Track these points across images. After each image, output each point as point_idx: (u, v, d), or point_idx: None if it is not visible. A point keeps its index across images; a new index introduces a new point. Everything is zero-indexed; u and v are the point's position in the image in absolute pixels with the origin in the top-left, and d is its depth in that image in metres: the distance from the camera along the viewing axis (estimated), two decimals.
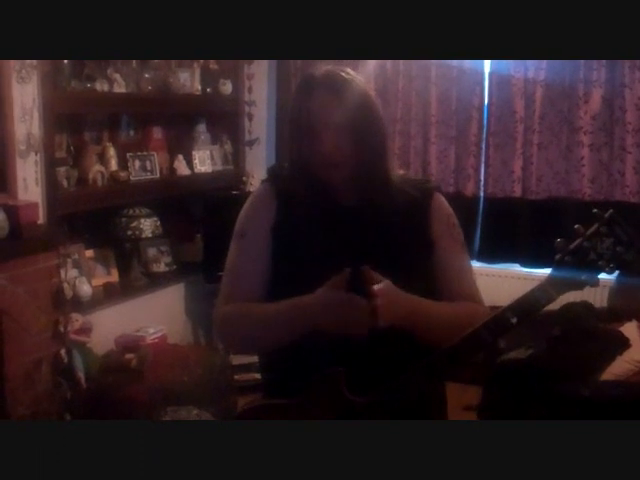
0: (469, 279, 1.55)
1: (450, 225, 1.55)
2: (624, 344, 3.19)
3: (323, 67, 1.49)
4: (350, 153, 1.44)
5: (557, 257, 1.28)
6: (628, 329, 3.32)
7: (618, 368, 3.08)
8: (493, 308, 1.44)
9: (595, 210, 1.28)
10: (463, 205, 4.14)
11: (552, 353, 3.23)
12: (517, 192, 4.09)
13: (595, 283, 1.28)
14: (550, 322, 3.55)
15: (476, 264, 4.26)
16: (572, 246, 1.27)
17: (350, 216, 1.50)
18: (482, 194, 4.24)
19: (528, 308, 1.31)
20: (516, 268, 4.14)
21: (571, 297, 4.07)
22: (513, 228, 4.12)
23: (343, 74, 1.46)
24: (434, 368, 1.33)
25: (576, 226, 1.28)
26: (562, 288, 1.29)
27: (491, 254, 4.23)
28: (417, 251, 1.49)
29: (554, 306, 4.45)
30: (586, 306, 3.79)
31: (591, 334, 3.29)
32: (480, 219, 4.25)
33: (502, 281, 4.09)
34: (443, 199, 1.57)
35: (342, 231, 1.48)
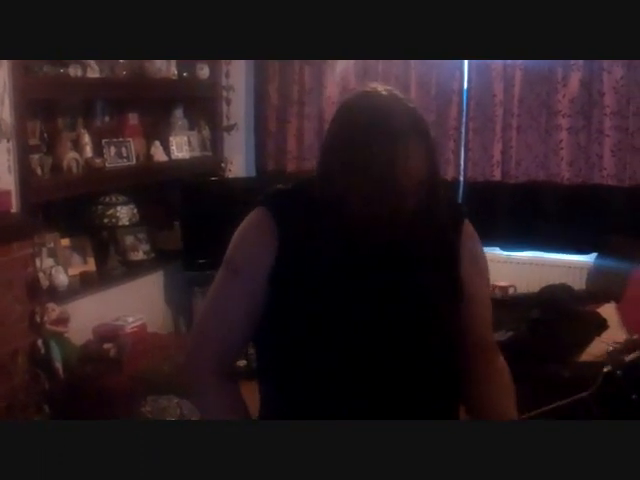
0: (490, 322, 1.41)
1: (479, 259, 1.39)
2: (602, 325, 3.22)
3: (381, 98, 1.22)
4: (422, 181, 1.20)
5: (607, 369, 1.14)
6: (606, 310, 3.35)
7: (596, 349, 3.10)
8: None
9: None
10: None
11: (531, 335, 3.25)
12: (497, 176, 4.10)
13: None
14: (529, 305, 3.57)
15: None
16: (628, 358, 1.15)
17: (377, 256, 1.24)
18: (462, 178, 4.24)
19: None
20: (496, 252, 4.15)
21: (550, 280, 4.09)
22: (493, 212, 4.12)
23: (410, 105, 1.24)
24: None
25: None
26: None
27: None
28: (447, 293, 1.30)
29: (534, 289, 4.47)
30: (565, 289, 3.81)
31: (570, 316, 3.31)
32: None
33: None
34: (471, 227, 1.38)
35: (365, 275, 1.25)
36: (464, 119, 4.19)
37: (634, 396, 1.02)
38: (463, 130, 4.20)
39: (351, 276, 1.24)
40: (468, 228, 1.37)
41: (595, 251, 3.92)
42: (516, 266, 4.09)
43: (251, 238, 1.31)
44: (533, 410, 1.16)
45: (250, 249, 1.30)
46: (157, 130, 4.19)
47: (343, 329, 1.24)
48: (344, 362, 1.24)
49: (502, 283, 3.96)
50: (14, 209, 3.15)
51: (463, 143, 4.21)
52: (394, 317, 1.25)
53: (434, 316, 1.27)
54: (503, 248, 4.16)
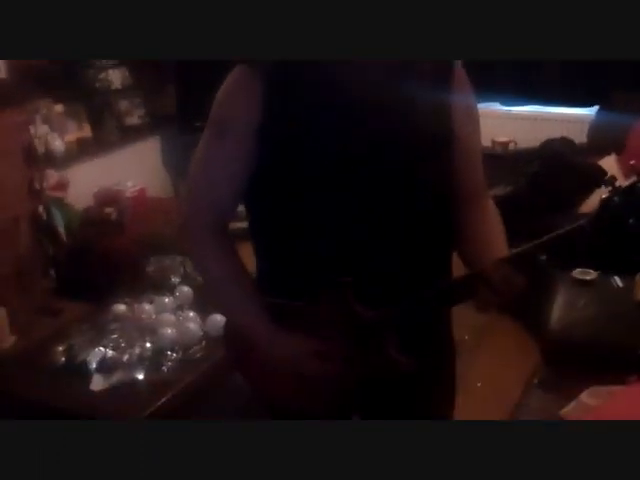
0: (481, 168, 1.40)
1: (470, 105, 1.34)
2: (602, 176, 3.22)
3: None
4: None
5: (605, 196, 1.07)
6: (607, 162, 3.34)
7: (597, 200, 3.13)
8: None
9: None
10: None
11: (531, 189, 3.26)
12: None
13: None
14: (530, 159, 3.56)
15: None
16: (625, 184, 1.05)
17: (366, 110, 1.21)
18: None
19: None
20: (497, 107, 4.09)
21: (551, 134, 4.04)
22: (493, 66, 4.00)
23: None
24: (450, 295, 1.24)
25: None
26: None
27: None
28: (438, 141, 1.27)
29: (534, 143, 4.43)
30: (565, 142, 3.79)
31: (570, 169, 3.31)
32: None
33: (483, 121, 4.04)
34: (463, 73, 1.33)
35: (355, 129, 1.22)
36: None
37: (631, 220, 1.02)
38: None
39: (341, 131, 1.21)
40: (460, 74, 1.32)
41: (596, 104, 3.85)
42: (517, 121, 4.03)
43: (234, 96, 1.26)
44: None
45: (233, 107, 1.26)
46: None
47: (335, 184, 1.22)
48: (336, 218, 1.25)
49: (502, 138, 3.92)
50: (3, 75, 3.06)
51: None
52: (386, 168, 1.23)
53: (427, 166, 1.26)
54: (503, 103, 4.08)
